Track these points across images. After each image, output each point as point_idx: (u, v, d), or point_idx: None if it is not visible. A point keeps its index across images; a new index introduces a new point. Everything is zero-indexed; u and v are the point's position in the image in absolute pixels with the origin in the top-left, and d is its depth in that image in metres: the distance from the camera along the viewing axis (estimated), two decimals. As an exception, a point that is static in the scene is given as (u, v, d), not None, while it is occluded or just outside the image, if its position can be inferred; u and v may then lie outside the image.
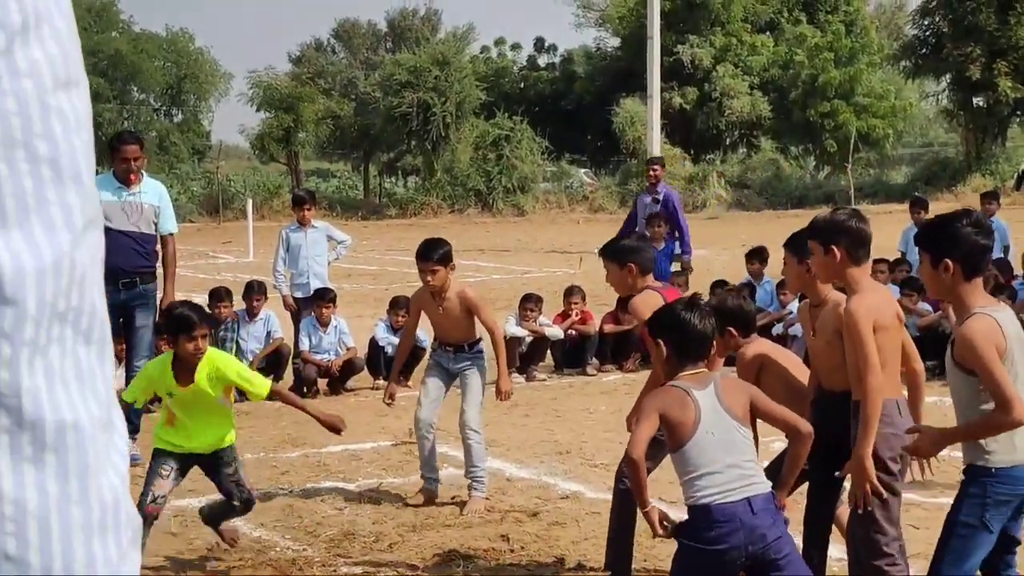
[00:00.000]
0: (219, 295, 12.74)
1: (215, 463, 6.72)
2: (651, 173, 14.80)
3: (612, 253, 6.49)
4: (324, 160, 72.37)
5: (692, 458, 4.61)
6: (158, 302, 9.62)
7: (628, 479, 4.78)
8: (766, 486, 4.66)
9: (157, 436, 6.75)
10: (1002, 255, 15.00)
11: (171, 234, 9.64)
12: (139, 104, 77.10)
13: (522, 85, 63.35)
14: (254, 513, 7.71)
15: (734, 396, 4.72)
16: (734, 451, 4.62)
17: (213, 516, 6.96)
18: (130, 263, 9.32)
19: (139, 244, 9.39)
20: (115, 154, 9.42)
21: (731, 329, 5.82)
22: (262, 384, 6.80)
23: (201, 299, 13.09)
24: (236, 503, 6.79)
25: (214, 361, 6.60)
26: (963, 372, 4.61)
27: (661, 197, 14.39)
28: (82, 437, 1.09)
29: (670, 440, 4.71)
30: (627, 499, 6.23)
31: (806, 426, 4.77)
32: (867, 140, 52.25)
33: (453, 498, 7.97)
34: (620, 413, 11.04)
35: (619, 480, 6.26)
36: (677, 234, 14.60)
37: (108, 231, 9.38)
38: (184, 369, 6.56)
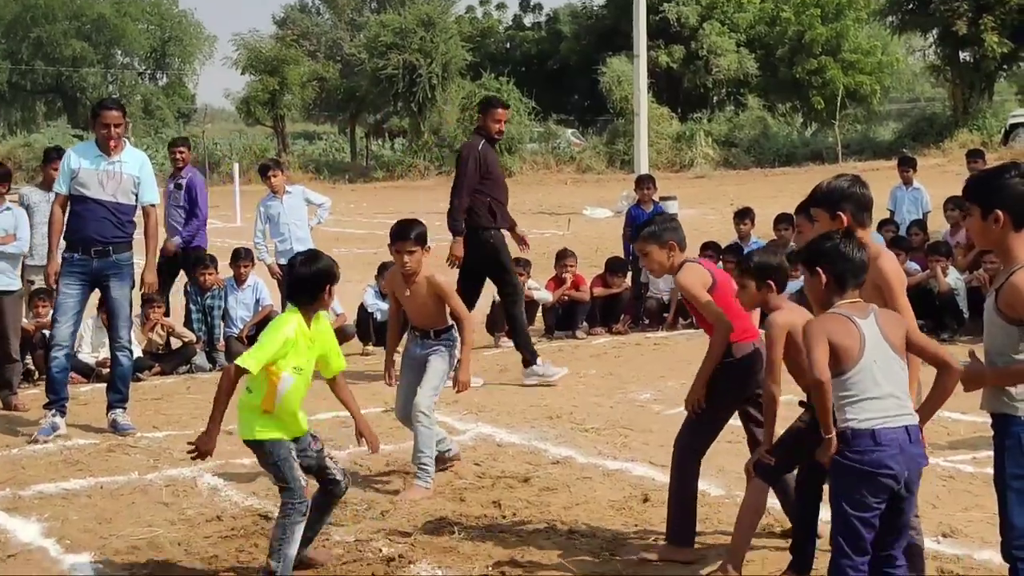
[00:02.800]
0: (204, 261, 12.68)
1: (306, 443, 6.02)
2: (176, 156, 13.00)
3: (651, 235, 6.41)
4: (310, 122, 72.12)
5: (856, 383, 4.75)
6: (135, 270, 9.53)
7: (817, 402, 4.76)
8: (916, 418, 4.82)
9: (258, 430, 5.79)
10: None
11: (153, 205, 9.52)
12: (123, 68, 76.65)
13: (508, 45, 63.18)
14: (245, 482, 7.72)
15: (893, 327, 4.86)
16: (892, 380, 4.78)
17: (312, 533, 6.12)
18: (103, 232, 9.24)
19: (114, 214, 9.27)
20: (95, 120, 9.34)
21: (771, 283, 5.84)
22: (342, 360, 6.19)
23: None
24: (339, 477, 6.06)
25: (321, 319, 6.04)
26: (1004, 321, 4.68)
27: (184, 182, 12.88)
28: None
29: (834, 365, 4.79)
30: (686, 465, 6.21)
31: (955, 361, 4.88)
32: (854, 96, 52.20)
33: (445, 467, 7.92)
34: (610, 377, 11.08)
35: (678, 450, 6.23)
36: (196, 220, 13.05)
37: (84, 199, 9.34)
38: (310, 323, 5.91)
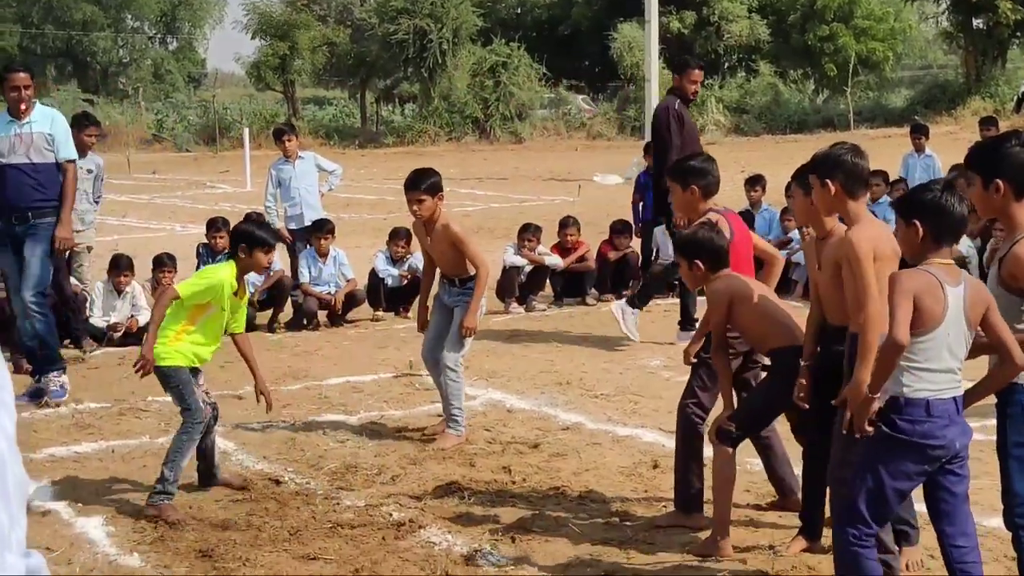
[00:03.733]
0: (216, 225, 12.68)
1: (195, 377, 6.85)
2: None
3: (677, 174, 6.40)
4: (320, 87, 71.91)
5: (923, 351, 4.54)
6: (53, 233, 9.39)
7: (881, 362, 4.53)
8: (963, 389, 4.64)
9: (163, 358, 6.62)
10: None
11: (70, 160, 9.42)
12: (133, 32, 76.49)
13: (519, 11, 62.76)
14: (257, 446, 7.75)
15: (977, 303, 4.59)
16: (956, 355, 4.59)
17: (210, 465, 6.98)
18: (22, 198, 9.15)
19: (32, 176, 9.16)
20: (3, 84, 9.29)
21: (698, 262, 5.79)
22: (242, 325, 7.02)
23: (199, 229, 13.07)
24: (213, 404, 6.97)
25: (244, 290, 6.92)
26: (1007, 291, 4.67)
27: None
28: None
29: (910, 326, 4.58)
30: (691, 433, 6.21)
31: (1021, 357, 4.61)
32: (866, 63, 51.92)
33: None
34: (620, 343, 11.07)
35: (682, 414, 6.22)
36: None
37: (1, 168, 9.30)
38: (239, 280, 6.79)
